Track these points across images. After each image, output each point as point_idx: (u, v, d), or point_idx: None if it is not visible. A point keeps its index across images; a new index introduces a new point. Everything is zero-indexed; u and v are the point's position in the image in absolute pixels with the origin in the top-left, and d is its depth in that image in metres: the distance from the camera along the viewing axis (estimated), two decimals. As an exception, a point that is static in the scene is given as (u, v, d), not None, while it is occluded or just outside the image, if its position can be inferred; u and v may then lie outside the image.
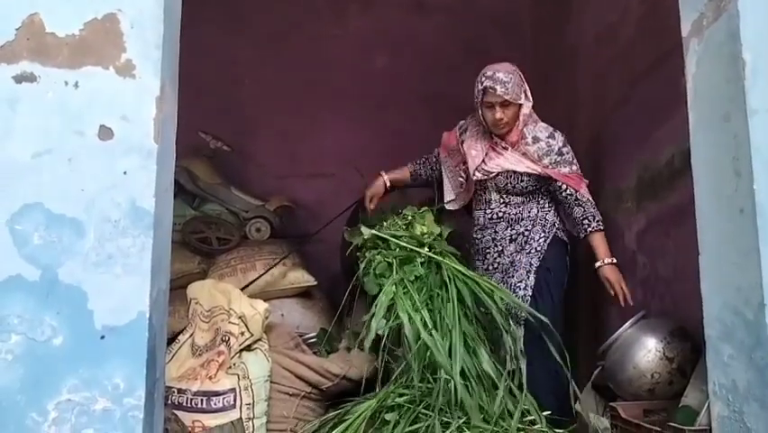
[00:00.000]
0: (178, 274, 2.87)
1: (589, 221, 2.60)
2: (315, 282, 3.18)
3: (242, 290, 2.72)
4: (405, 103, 3.96)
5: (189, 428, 2.11)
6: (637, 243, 2.94)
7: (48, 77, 1.46)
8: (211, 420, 2.10)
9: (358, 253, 2.69)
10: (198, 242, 3.21)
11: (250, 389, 2.21)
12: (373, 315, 2.39)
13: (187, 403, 2.14)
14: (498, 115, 2.57)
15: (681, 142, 2.22)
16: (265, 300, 2.52)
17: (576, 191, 2.63)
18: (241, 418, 2.13)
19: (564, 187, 2.64)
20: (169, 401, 2.12)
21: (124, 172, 1.46)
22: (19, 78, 1.45)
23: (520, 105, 2.60)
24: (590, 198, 2.66)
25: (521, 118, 2.61)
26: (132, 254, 1.44)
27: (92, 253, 1.43)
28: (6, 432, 1.37)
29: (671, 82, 2.22)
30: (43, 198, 1.43)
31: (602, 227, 2.61)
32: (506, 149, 2.65)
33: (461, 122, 2.85)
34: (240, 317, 2.35)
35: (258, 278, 2.96)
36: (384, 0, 4.11)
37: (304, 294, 3.20)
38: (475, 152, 2.68)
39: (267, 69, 3.92)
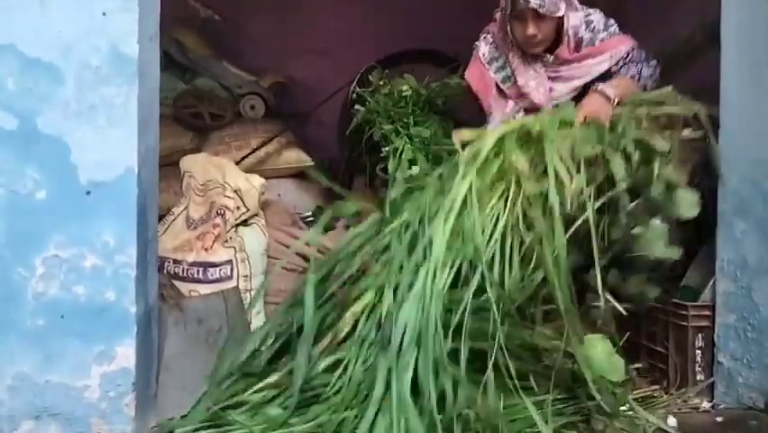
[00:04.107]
0: (170, 150, 2.76)
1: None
2: (312, 163, 3.11)
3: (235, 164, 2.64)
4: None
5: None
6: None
7: None
8: (208, 290, 2.06)
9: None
10: (191, 117, 3.08)
11: (247, 261, 2.17)
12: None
13: (183, 273, 2.10)
14: (531, 30, 1.95)
15: (706, 13, 2.08)
16: (260, 180, 2.44)
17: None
18: (238, 287, 2.10)
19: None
20: (165, 271, 2.08)
21: (103, 14, 1.33)
22: None
23: (561, 16, 1.97)
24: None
25: (569, 33, 1.98)
26: (116, 105, 1.34)
27: (73, 101, 1.33)
28: (-7, 287, 1.32)
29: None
30: (15, 40, 1.30)
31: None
32: (562, 65, 2.04)
33: (482, 51, 2.14)
34: (235, 191, 2.27)
35: (252, 152, 2.87)
36: None
37: (300, 175, 3.13)
38: (535, 83, 2.05)
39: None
